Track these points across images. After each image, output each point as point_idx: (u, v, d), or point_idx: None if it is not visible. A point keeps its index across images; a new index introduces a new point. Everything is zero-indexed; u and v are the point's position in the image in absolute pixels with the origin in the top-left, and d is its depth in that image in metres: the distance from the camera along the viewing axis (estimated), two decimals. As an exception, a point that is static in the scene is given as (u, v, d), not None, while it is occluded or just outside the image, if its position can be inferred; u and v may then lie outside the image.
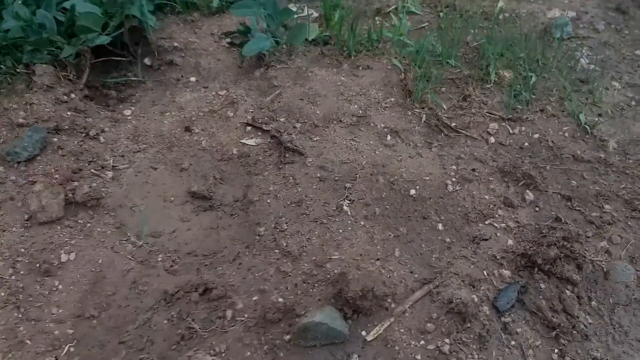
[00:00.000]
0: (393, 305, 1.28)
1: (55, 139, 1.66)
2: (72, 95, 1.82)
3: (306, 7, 2.22)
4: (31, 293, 1.35)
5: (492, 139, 1.72)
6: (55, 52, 1.87)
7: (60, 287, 1.38)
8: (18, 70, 1.83)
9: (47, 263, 1.39)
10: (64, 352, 1.27)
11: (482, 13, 2.31)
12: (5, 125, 1.68)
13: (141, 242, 1.48)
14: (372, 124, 1.75)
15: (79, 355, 1.25)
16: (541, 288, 1.31)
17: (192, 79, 2.02)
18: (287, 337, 1.22)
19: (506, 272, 1.35)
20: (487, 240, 1.43)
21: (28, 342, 1.27)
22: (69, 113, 1.76)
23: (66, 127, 1.71)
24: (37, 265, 1.39)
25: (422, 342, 1.22)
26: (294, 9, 2.15)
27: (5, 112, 1.72)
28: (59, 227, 1.47)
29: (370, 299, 1.22)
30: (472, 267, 1.37)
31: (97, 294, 1.37)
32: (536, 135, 1.74)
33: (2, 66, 1.82)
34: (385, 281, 1.30)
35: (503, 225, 1.47)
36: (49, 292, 1.36)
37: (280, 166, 1.64)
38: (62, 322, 1.31)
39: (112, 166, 1.66)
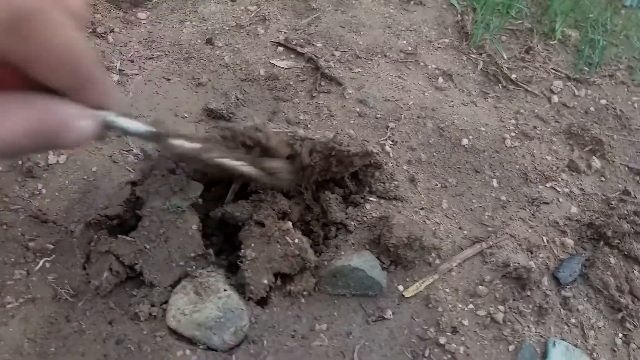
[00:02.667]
0: (437, 262, 1.08)
1: (55, 28, 1.42)
2: (81, -14, 1.57)
3: None
4: (8, 193, 1.13)
5: (556, 98, 1.50)
6: None
7: (44, 191, 1.15)
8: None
9: (31, 162, 1.17)
10: (38, 266, 1.05)
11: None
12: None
13: (144, 156, 1.26)
14: (422, 63, 1.53)
15: (55, 273, 1.04)
16: (610, 263, 1.12)
17: (219, -9, 1.78)
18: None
19: (569, 242, 1.16)
20: (548, 204, 1.23)
21: (-3, 249, 1.06)
22: (74, 4, 1.51)
23: (70, 17, 1.46)
24: (19, 162, 1.17)
25: (471, 306, 1.02)
26: None
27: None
28: (49, 125, 1.24)
29: (416, 249, 1.02)
30: (530, 231, 1.17)
31: (86, 205, 1.15)
32: (603, 102, 1.53)
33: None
34: (435, 232, 1.10)
35: (566, 190, 1.27)
36: (30, 195, 1.14)
37: (314, 94, 1.42)
38: (40, 234, 1.09)
39: (119, 70, 1.43)
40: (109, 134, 0.85)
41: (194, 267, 0.99)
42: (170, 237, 1.01)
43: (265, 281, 0.96)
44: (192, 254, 0.99)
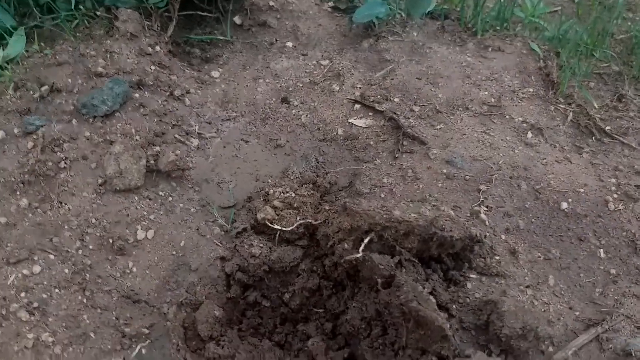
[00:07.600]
0: (551, 349, 1.00)
1: (137, 95, 1.42)
2: (157, 48, 1.58)
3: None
4: (100, 274, 1.13)
5: (656, 151, 1.40)
6: (142, -4, 1.64)
7: (134, 269, 1.15)
8: (98, 13, 1.61)
9: (121, 239, 1.17)
10: (135, 352, 1.04)
11: (626, 3, 1.97)
12: (81, 73, 1.46)
13: (230, 226, 1.24)
14: (507, 116, 1.45)
15: None
16: None
17: (289, 44, 1.76)
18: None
19: (693, 323, 1.05)
20: (663, 277, 1.13)
21: (92, 335, 1.05)
22: (152, 67, 1.52)
23: (150, 82, 1.47)
24: (110, 240, 1.16)
25: (595, 404, 0.94)
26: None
27: (82, 59, 1.49)
28: (136, 198, 1.24)
29: (531, 340, 0.94)
30: (648, 310, 1.07)
31: (177, 284, 1.14)
32: None
33: (81, 7, 1.60)
34: (549, 319, 1.02)
35: (682, 260, 1.16)
36: (121, 274, 1.13)
37: (396, 155, 1.37)
38: (134, 315, 1.08)
39: (198, 133, 1.42)
40: None
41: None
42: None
43: None
44: None
